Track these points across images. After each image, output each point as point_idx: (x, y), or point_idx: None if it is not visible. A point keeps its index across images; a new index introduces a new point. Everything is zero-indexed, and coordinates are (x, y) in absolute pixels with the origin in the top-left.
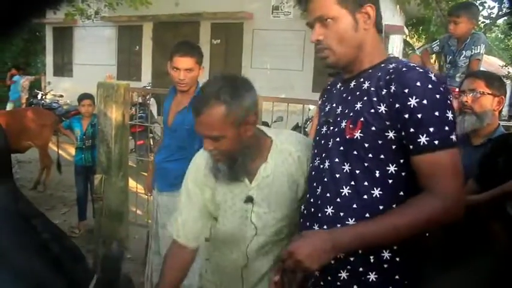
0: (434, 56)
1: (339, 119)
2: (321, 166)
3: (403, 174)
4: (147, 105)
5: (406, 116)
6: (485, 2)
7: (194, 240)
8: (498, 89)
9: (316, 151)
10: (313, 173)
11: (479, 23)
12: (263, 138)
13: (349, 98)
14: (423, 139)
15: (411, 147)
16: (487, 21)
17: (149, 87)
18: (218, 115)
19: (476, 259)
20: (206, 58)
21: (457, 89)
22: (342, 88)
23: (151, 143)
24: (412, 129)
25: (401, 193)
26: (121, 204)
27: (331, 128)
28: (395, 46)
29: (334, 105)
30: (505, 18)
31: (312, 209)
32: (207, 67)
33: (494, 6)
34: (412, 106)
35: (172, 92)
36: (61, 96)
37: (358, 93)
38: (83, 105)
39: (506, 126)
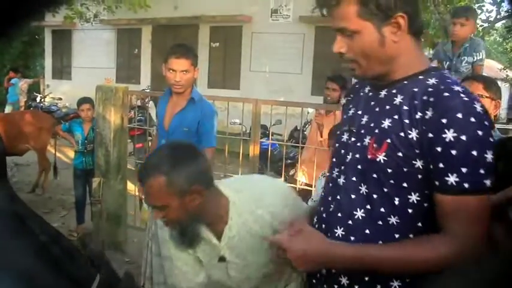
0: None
1: (362, 131)
2: (338, 180)
3: (425, 205)
4: (146, 108)
5: (439, 149)
6: (483, 6)
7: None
8: (495, 93)
9: (335, 160)
10: (330, 184)
11: (478, 26)
12: (219, 201)
13: (377, 109)
14: (452, 179)
15: (437, 183)
16: (486, 25)
17: (148, 90)
18: (159, 186)
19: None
20: (205, 61)
21: None
22: (371, 94)
23: (150, 146)
24: (441, 165)
25: (420, 224)
26: (119, 207)
27: (353, 139)
28: None
29: (359, 112)
30: (503, 21)
31: (323, 226)
32: (206, 70)
33: (492, 10)
34: (447, 140)
35: (167, 94)
36: (60, 99)
37: (388, 107)
38: (82, 109)
39: (504, 129)
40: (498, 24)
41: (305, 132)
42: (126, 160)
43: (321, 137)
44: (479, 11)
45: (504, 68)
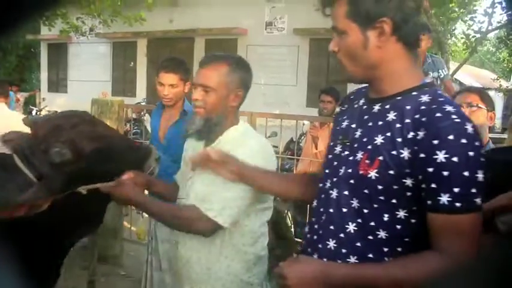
0: None
1: (356, 145)
2: (330, 192)
3: (412, 221)
4: (141, 121)
5: (431, 170)
6: (475, 17)
7: None
8: (490, 104)
9: (327, 171)
10: (322, 196)
11: (470, 37)
12: (231, 123)
13: (370, 124)
14: (444, 198)
15: (429, 202)
16: (478, 35)
17: (144, 103)
18: (220, 70)
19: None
20: None
21: None
22: (365, 108)
23: None
24: (433, 185)
25: (407, 239)
26: (115, 220)
27: (346, 152)
28: None
29: (353, 125)
30: (496, 32)
31: (315, 237)
32: None
33: (484, 21)
34: (439, 161)
35: (160, 108)
36: (55, 112)
37: (381, 122)
38: None
39: (499, 138)
40: (491, 35)
41: (301, 144)
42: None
43: (316, 149)
44: (471, 22)
45: (497, 78)
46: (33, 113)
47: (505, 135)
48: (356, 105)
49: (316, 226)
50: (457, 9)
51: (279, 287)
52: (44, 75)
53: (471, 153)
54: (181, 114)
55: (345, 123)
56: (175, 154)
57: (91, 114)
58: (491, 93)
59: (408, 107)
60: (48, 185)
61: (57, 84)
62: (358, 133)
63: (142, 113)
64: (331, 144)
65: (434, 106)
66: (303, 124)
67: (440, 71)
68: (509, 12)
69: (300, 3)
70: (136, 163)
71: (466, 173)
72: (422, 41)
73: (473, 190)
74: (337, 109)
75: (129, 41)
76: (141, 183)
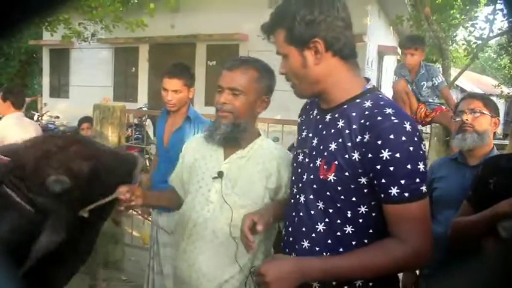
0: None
1: (314, 153)
2: (297, 197)
3: (373, 214)
4: (143, 126)
5: (378, 167)
6: (476, 24)
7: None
8: (494, 111)
9: (293, 178)
10: (292, 201)
11: (471, 43)
12: (255, 131)
13: (324, 132)
14: (394, 191)
15: (382, 195)
16: (479, 42)
17: (145, 109)
18: (250, 74)
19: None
20: (202, 79)
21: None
22: (318, 118)
23: (148, 164)
24: (383, 180)
25: (371, 231)
26: (117, 225)
27: (307, 160)
28: (389, 67)
29: (310, 134)
30: (497, 38)
31: (291, 238)
32: (202, 88)
33: (485, 27)
34: (384, 158)
35: (164, 113)
36: (57, 117)
37: (332, 130)
38: (82, 128)
39: (501, 144)
40: (492, 42)
41: None
42: None
43: None
44: (472, 29)
45: (499, 85)
46: (35, 118)
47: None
48: (311, 116)
49: (290, 229)
50: (458, 16)
51: (259, 285)
52: (46, 80)
53: (411, 148)
54: (185, 120)
55: (304, 133)
56: (176, 160)
57: (70, 133)
58: (493, 99)
59: (354, 114)
60: (58, 221)
61: (59, 90)
62: (315, 141)
63: (143, 118)
64: (295, 153)
65: (376, 110)
66: None
67: (434, 79)
68: (510, 19)
69: None
70: (125, 174)
71: (409, 166)
72: (415, 55)
73: (417, 180)
74: (298, 120)
75: (131, 46)
76: (143, 200)
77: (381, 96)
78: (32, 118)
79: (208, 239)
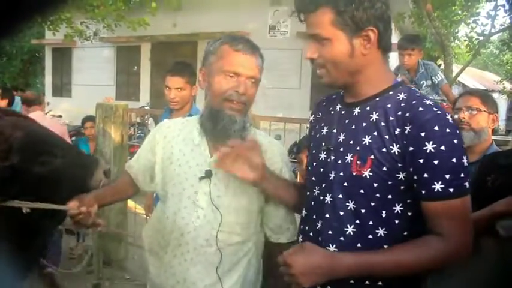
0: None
1: (342, 149)
2: (321, 198)
3: (409, 214)
4: (145, 125)
5: (421, 160)
6: (478, 20)
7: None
8: (492, 107)
9: (314, 179)
10: (312, 203)
11: (473, 39)
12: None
13: (353, 127)
14: (438, 186)
15: (423, 192)
16: (481, 38)
17: (148, 107)
18: (260, 59)
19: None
20: None
21: None
22: (344, 112)
23: None
24: (426, 175)
25: (406, 233)
26: (120, 224)
27: (333, 157)
28: (391, 63)
29: (334, 130)
30: (499, 34)
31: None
32: None
33: (487, 24)
34: (428, 151)
35: (168, 111)
36: (60, 116)
37: (364, 124)
38: (85, 127)
39: (503, 140)
40: (494, 38)
41: None
42: None
43: None
44: (474, 25)
45: (501, 81)
46: None
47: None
48: (333, 112)
49: (311, 234)
50: (460, 12)
51: (283, 276)
52: (48, 79)
53: (455, 141)
54: None
55: (324, 130)
56: None
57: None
58: (495, 95)
59: (389, 106)
60: None
61: (62, 89)
62: (341, 137)
63: (146, 117)
64: (314, 152)
65: (414, 102)
66: (307, 127)
67: (433, 77)
68: None
69: None
70: (83, 175)
71: (454, 160)
72: (413, 55)
73: (462, 175)
74: (311, 118)
75: (133, 45)
76: (91, 208)
77: (413, 88)
78: None
79: (201, 249)
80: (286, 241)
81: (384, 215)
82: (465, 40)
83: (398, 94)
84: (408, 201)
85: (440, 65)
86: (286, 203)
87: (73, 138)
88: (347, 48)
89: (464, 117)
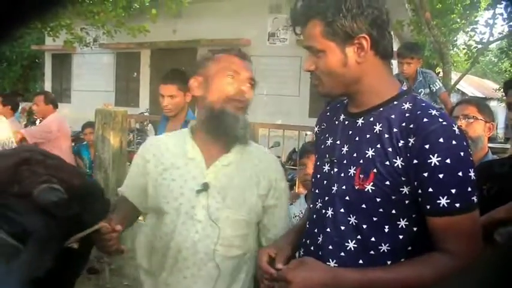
0: None
1: (345, 161)
2: (323, 211)
3: (414, 229)
4: (144, 131)
5: (426, 174)
6: (476, 28)
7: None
8: (488, 116)
9: (317, 191)
10: (314, 216)
11: (472, 48)
12: None
13: (357, 138)
14: (443, 201)
15: (428, 207)
16: (479, 46)
17: (147, 114)
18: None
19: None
20: None
21: None
22: (347, 123)
23: None
24: (431, 189)
25: (410, 248)
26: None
27: (336, 169)
28: None
29: (338, 142)
30: (497, 42)
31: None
32: None
33: (485, 32)
34: (433, 165)
35: (164, 118)
36: None
37: (368, 135)
38: (85, 133)
39: (501, 148)
40: (493, 46)
41: None
42: None
43: None
44: (472, 33)
45: (499, 88)
46: (37, 122)
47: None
48: (337, 122)
49: (312, 248)
50: (458, 20)
51: None
52: (48, 85)
53: (462, 154)
54: (183, 125)
55: (329, 141)
56: None
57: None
58: (494, 103)
59: (393, 116)
60: (45, 242)
61: (61, 95)
62: (345, 149)
63: (145, 123)
64: (318, 163)
65: (419, 112)
66: (306, 134)
67: (431, 86)
68: (510, 24)
69: None
70: (105, 206)
71: (460, 173)
72: (412, 63)
73: (469, 189)
74: (316, 128)
75: (133, 51)
76: (119, 227)
77: (419, 98)
78: (34, 123)
79: (201, 264)
80: None
81: (387, 230)
82: (464, 48)
83: (403, 104)
84: (413, 215)
85: (439, 73)
86: None
87: (73, 144)
88: (340, 58)
89: (461, 126)
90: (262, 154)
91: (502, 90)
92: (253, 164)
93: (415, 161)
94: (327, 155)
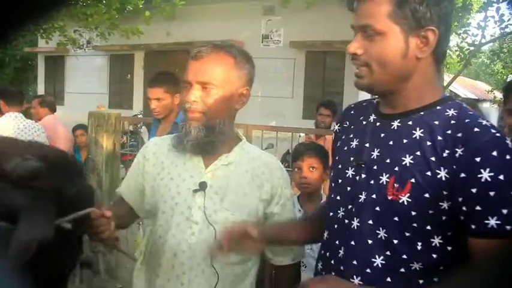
0: None
1: (375, 167)
2: (346, 222)
3: (448, 248)
4: (138, 133)
5: (474, 190)
6: (468, 30)
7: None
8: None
9: (339, 198)
10: (336, 226)
11: (464, 49)
12: (234, 133)
13: (391, 143)
14: (492, 221)
15: (473, 226)
16: (472, 48)
17: (141, 116)
18: (224, 63)
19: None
20: None
21: None
22: (379, 124)
23: None
24: (479, 207)
25: (442, 267)
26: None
27: (364, 176)
28: None
29: (367, 145)
30: (490, 44)
31: (333, 274)
32: None
33: (477, 34)
34: (483, 180)
35: (156, 122)
36: None
37: (406, 141)
38: (76, 135)
39: None
40: (485, 48)
41: None
42: (118, 186)
43: None
44: (465, 35)
45: (492, 90)
46: None
47: None
48: (365, 122)
49: (333, 262)
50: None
51: None
52: (41, 87)
53: None
54: (172, 127)
55: (354, 143)
56: None
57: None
58: (486, 104)
59: (436, 122)
60: (38, 210)
61: (54, 97)
62: (375, 153)
63: (139, 126)
64: (340, 166)
65: (467, 120)
66: (299, 136)
67: None
68: (502, 26)
69: (296, 16)
70: (91, 196)
71: None
72: None
73: None
74: (336, 127)
75: (126, 53)
76: (110, 213)
77: (464, 105)
78: None
79: (198, 269)
80: (291, 262)
81: (419, 248)
82: (456, 50)
83: (447, 110)
84: (448, 233)
85: None
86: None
87: None
88: (401, 47)
89: None
90: (266, 158)
91: (494, 92)
92: (255, 166)
93: (462, 175)
94: (352, 158)
